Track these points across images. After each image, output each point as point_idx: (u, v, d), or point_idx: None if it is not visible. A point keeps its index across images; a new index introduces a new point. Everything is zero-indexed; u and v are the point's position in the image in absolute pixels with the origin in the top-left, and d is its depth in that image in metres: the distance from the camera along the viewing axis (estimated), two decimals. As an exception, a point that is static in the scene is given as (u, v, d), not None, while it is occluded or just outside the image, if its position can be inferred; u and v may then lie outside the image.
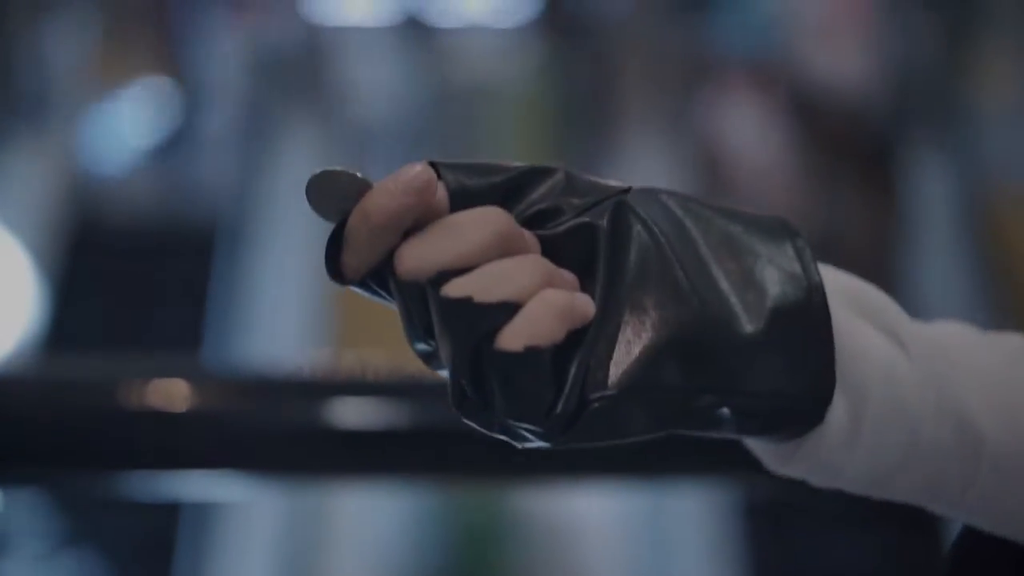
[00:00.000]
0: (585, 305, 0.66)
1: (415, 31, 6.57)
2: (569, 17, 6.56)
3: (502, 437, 0.67)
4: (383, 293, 0.68)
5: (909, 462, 0.72)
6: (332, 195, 0.65)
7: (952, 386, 0.72)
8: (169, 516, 4.63)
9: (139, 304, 5.38)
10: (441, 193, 0.66)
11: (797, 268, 0.71)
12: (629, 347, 0.66)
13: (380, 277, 0.67)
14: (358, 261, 0.66)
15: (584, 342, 0.65)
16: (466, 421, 0.67)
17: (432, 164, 0.67)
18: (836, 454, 0.71)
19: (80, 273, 5.58)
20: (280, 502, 4.53)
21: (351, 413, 1.15)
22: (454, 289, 0.64)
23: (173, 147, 6.12)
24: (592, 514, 4.65)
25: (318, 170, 0.65)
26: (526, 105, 6.52)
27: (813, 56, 5.70)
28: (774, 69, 5.75)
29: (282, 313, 5.48)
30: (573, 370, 0.65)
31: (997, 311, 5.23)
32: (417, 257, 0.65)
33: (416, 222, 0.66)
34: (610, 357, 0.66)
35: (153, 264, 5.54)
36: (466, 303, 0.63)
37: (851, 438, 0.71)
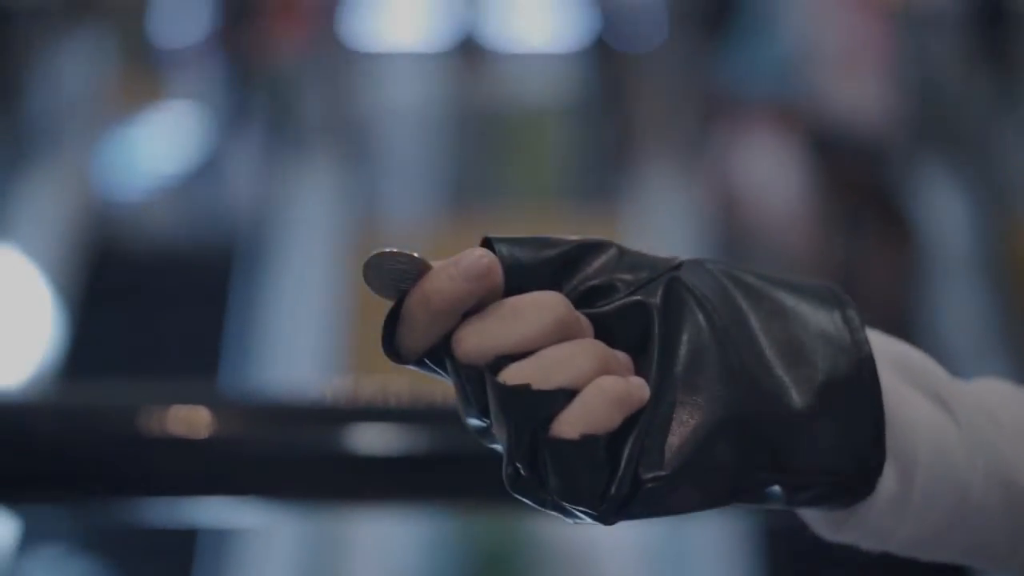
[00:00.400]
0: (640, 390, 0.66)
1: (438, 56, 6.60)
2: (595, 49, 6.60)
3: (554, 513, 0.68)
4: (439, 371, 0.68)
5: (958, 525, 0.72)
6: (390, 275, 0.66)
7: (1000, 450, 0.73)
8: (188, 542, 4.63)
9: (158, 329, 5.39)
10: (496, 268, 0.67)
11: (847, 339, 0.71)
12: (682, 428, 0.66)
13: (437, 356, 0.67)
14: (416, 342, 0.67)
15: (638, 425, 0.66)
16: (518, 497, 0.68)
17: (487, 240, 0.68)
18: (885, 521, 0.71)
19: (99, 298, 5.59)
20: (299, 528, 4.53)
21: (371, 439, 1.15)
22: (513, 376, 0.64)
23: (192, 172, 6.14)
24: (609, 539, 4.64)
25: (375, 251, 0.66)
26: (545, 130, 6.54)
27: (833, 92, 5.66)
28: (793, 107, 5.72)
29: (301, 338, 5.49)
30: (627, 453, 0.65)
31: (1019, 346, 5.22)
32: (476, 342, 0.66)
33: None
34: (663, 438, 0.66)
35: (171, 289, 5.55)
36: (524, 390, 0.64)
37: (900, 506, 0.71)
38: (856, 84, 5.50)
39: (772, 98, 5.76)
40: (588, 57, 6.60)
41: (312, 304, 5.63)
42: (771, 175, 5.51)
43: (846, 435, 0.69)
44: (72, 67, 6.27)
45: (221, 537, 4.66)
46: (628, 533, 4.64)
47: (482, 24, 6.61)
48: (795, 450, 0.68)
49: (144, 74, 6.44)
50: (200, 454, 1.16)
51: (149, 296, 5.55)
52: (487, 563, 4.74)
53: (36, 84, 6.20)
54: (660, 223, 5.77)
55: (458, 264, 0.65)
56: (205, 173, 6.09)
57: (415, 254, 0.66)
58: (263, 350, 5.42)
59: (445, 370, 0.68)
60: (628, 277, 0.69)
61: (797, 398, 0.69)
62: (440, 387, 1.16)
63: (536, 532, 4.66)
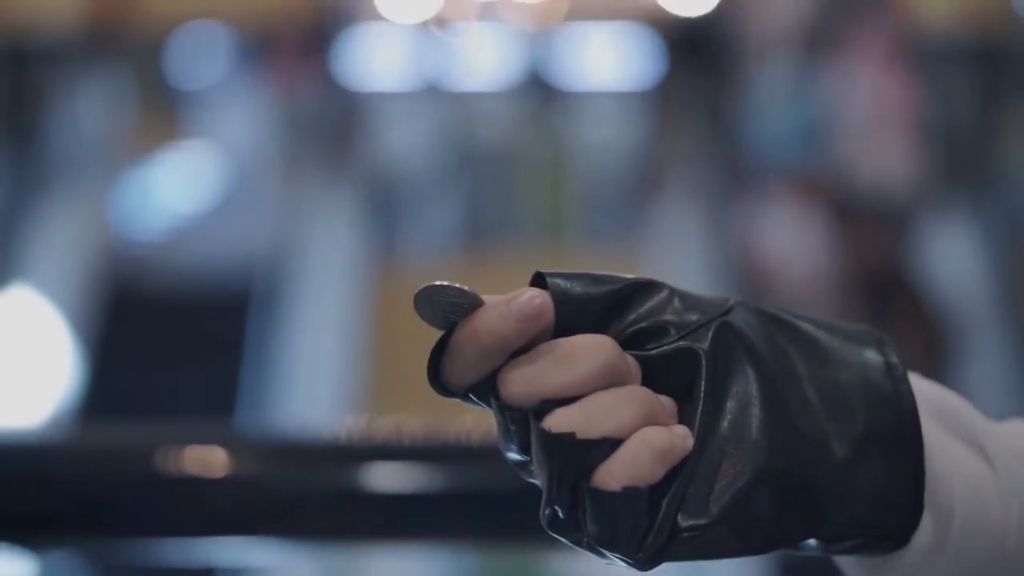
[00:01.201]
0: (684, 441, 0.66)
1: (441, 96, 6.61)
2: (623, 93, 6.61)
3: (589, 553, 0.67)
4: (483, 405, 0.68)
5: (992, 571, 0.72)
6: (441, 307, 0.66)
7: None
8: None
9: (174, 369, 5.40)
10: (549, 310, 0.66)
11: (890, 389, 0.70)
12: (723, 479, 0.66)
13: (481, 392, 0.67)
14: (462, 377, 0.66)
15: (680, 475, 0.65)
16: (553, 536, 0.68)
17: (539, 274, 0.68)
18: (920, 570, 0.71)
19: (115, 339, 5.60)
20: (316, 567, 4.52)
21: (387, 478, 1.15)
22: (558, 424, 0.64)
23: (209, 212, 6.16)
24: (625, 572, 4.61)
25: (427, 283, 0.66)
26: (562, 169, 6.55)
27: (857, 159, 5.59)
28: (817, 174, 5.67)
29: (317, 378, 5.49)
30: (666, 503, 0.65)
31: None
32: (523, 384, 0.65)
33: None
34: (704, 488, 0.66)
35: (188, 329, 5.56)
36: (569, 438, 0.64)
37: (935, 554, 0.71)
38: (881, 150, 5.43)
39: (796, 165, 5.66)
40: (604, 97, 6.62)
41: (328, 344, 5.64)
42: (794, 243, 5.48)
43: (885, 489, 0.69)
44: (89, 108, 6.30)
45: (238, 577, 4.65)
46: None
47: (503, 64, 6.63)
48: (834, 504, 0.68)
49: (161, 115, 6.47)
50: (216, 494, 1.16)
51: (166, 336, 5.56)
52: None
53: (54, 124, 6.24)
54: (677, 262, 5.78)
55: (511, 303, 0.65)
56: (222, 214, 6.11)
57: (467, 288, 0.65)
58: (279, 390, 5.43)
59: (489, 405, 0.67)
60: (679, 320, 0.68)
61: (839, 451, 0.68)
62: (454, 426, 1.17)
63: (554, 570, 4.65)
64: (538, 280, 0.68)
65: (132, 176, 6.27)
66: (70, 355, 5.49)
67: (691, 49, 6.31)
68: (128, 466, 1.17)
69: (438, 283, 0.66)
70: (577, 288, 0.67)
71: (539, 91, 6.60)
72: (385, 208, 6.24)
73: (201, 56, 6.54)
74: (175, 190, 6.25)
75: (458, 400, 0.67)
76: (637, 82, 6.56)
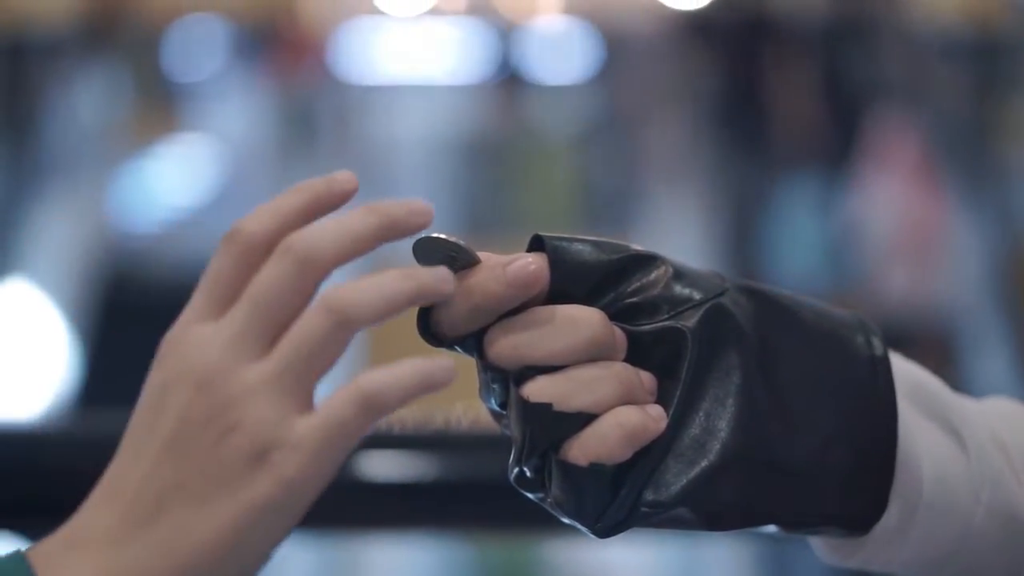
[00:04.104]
0: (656, 423, 0.66)
1: (436, 89, 6.61)
2: (605, 80, 6.59)
3: (551, 511, 0.69)
4: (469, 355, 0.69)
5: (957, 553, 0.72)
6: (438, 259, 0.67)
7: (1006, 482, 0.73)
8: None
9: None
10: (543, 278, 0.67)
11: (870, 381, 0.71)
12: (692, 463, 0.67)
13: (468, 345, 0.68)
14: (451, 329, 0.67)
15: (649, 454, 0.67)
16: (519, 490, 0.69)
17: (538, 236, 0.69)
18: (884, 551, 0.72)
19: (113, 329, 5.60)
20: (309, 556, 4.53)
21: (378, 466, 1.16)
22: (536, 393, 0.65)
23: (205, 204, 6.16)
24: (624, 564, 4.62)
25: (424, 234, 0.67)
26: (558, 159, 6.54)
27: (886, 277, 5.38)
28: (844, 293, 5.56)
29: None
30: (630, 480, 0.66)
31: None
32: (508, 348, 0.66)
33: None
34: (672, 469, 0.67)
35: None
36: (545, 408, 0.65)
37: (899, 537, 0.71)
38: (910, 269, 5.28)
39: (821, 283, 5.51)
40: (599, 87, 6.61)
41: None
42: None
43: (853, 482, 0.70)
44: (86, 101, 6.30)
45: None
46: (642, 557, 4.63)
47: (497, 56, 6.63)
48: (800, 492, 0.69)
49: (158, 107, 6.47)
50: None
51: (163, 327, 5.55)
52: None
53: (51, 117, 6.23)
54: (672, 251, 5.78)
55: (507, 267, 0.66)
56: (219, 206, 6.11)
57: (464, 243, 0.66)
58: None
59: (474, 357, 0.68)
60: (672, 298, 0.69)
61: (811, 441, 0.69)
62: (444, 414, 1.18)
63: (547, 557, 4.65)
64: (537, 242, 0.69)
65: (129, 168, 6.27)
66: (67, 346, 5.50)
67: (692, 40, 6.31)
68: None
69: (437, 235, 0.67)
70: (575, 254, 0.68)
71: (531, 84, 6.60)
72: (380, 200, 6.24)
73: (198, 49, 6.53)
74: (172, 182, 6.25)
75: (443, 349, 0.68)
76: (629, 74, 6.55)
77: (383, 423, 1.19)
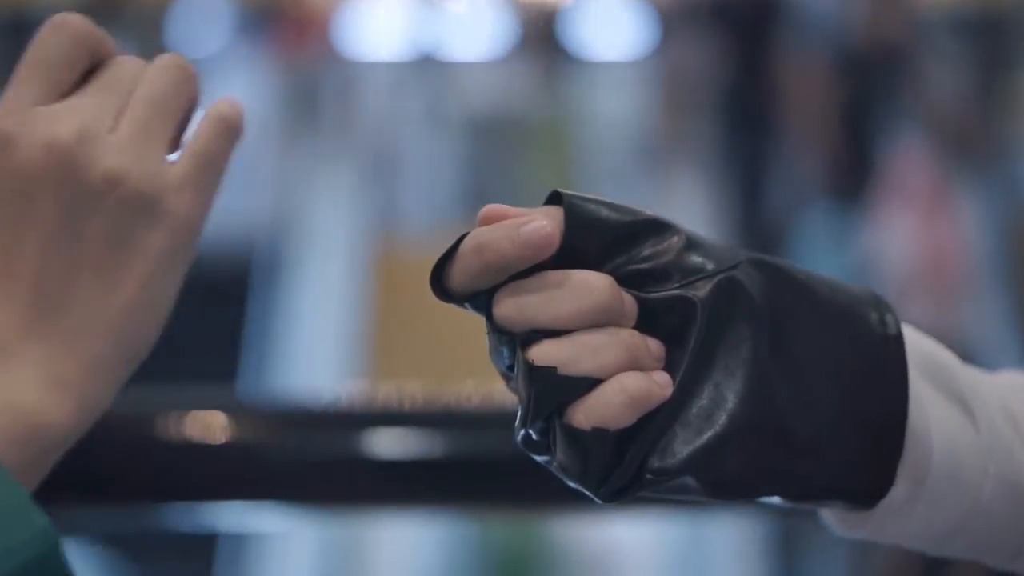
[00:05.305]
0: (662, 390, 0.66)
1: (441, 64, 6.61)
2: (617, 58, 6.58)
3: (555, 473, 0.68)
4: (477, 313, 0.69)
5: (966, 526, 0.72)
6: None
7: (1015, 455, 0.73)
8: (207, 547, 4.64)
9: (175, 336, 5.40)
10: (555, 241, 0.67)
11: (882, 360, 0.71)
12: (699, 431, 0.67)
13: (479, 302, 0.68)
14: (462, 285, 0.67)
15: (654, 420, 0.66)
16: (524, 451, 0.69)
17: (556, 192, 0.68)
18: (892, 524, 0.72)
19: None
20: (318, 532, 4.54)
21: (388, 443, 1.16)
22: (541, 356, 0.65)
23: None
24: (630, 542, 4.64)
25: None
26: (565, 136, 6.54)
27: (902, 314, 5.25)
28: None
29: (318, 344, 5.50)
30: (635, 446, 0.66)
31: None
32: (515, 310, 0.66)
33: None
34: (678, 438, 0.67)
35: (189, 296, 5.56)
36: (550, 371, 0.65)
37: (907, 509, 0.71)
38: (929, 302, 5.22)
39: None
40: (608, 65, 6.61)
41: (329, 310, 5.64)
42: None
43: (861, 459, 0.70)
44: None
45: (239, 542, 4.67)
46: (649, 537, 4.64)
47: (502, 32, 6.62)
48: (807, 467, 0.69)
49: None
50: (218, 459, 1.16)
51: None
52: (505, 566, 4.74)
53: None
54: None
55: (521, 228, 0.66)
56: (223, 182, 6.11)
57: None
58: (281, 356, 5.44)
59: (484, 316, 0.68)
60: (685, 266, 0.68)
61: (819, 416, 0.69)
62: (454, 391, 1.17)
63: (555, 535, 4.67)
64: (555, 197, 0.68)
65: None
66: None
67: (696, 21, 6.29)
68: (129, 431, 1.18)
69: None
70: (591, 211, 0.68)
71: (540, 60, 6.59)
72: (385, 176, 6.24)
73: (202, 26, 6.52)
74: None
75: (454, 305, 0.68)
76: (644, 51, 6.55)
77: (394, 399, 1.18)
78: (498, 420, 1.13)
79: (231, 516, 1.26)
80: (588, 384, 0.65)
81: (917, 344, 0.74)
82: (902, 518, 0.71)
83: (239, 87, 6.39)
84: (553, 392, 0.65)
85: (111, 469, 1.17)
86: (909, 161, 5.49)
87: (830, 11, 6.04)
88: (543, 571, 4.71)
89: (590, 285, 0.66)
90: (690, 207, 5.88)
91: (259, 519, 1.53)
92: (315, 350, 5.46)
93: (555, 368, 0.65)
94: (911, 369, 0.71)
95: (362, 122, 6.37)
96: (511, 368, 0.68)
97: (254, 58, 6.47)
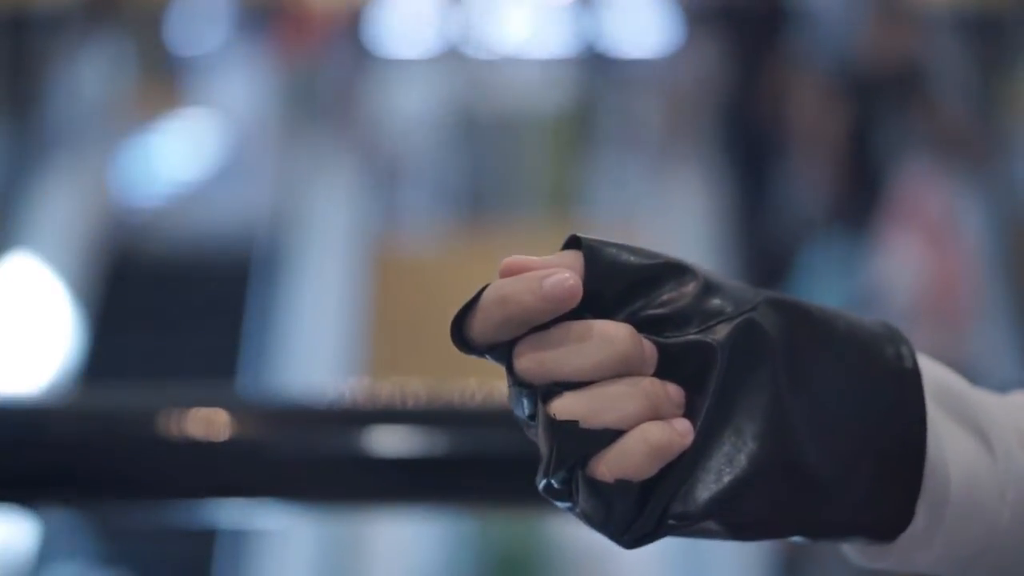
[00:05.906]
0: (683, 438, 0.66)
1: (442, 63, 6.60)
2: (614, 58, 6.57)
3: (578, 520, 0.69)
4: (498, 363, 0.68)
5: (986, 552, 0.72)
6: None
7: None
8: (207, 544, 4.64)
9: (176, 333, 5.40)
10: (578, 293, 0.66)
11: (900, 399, 0.71)
12: (720, 475, 0.67)
13: (499, 354, 0.68)
14: (483, 336, 0.67)
15: (676, 468, 0.67)
16: (547, 499, 0.69)
17: (575, 236, 0.68)
18: (911, 555, 0.72)
19: (117, 303, 5.61)
20: (318, 529, 4.54)
21: (389, 441, 1.16)
22: (563, 410, 0.65)
23: (208, 178, 6.15)
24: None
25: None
26: (562, 138, 6.54)
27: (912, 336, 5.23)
28: None
29: (319, 341, 5.50)
30: (658, 494, 0.66)
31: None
32: (536, 363, 0.66)
33: None
34: (699, 484, 0.67)
35: (189, 293, 5.56)
36: (571, 425, 0.65)
37: (927, 540, 0.71)
38: (937, 328, 5.22)
39: None
40: (607, 65, 6.60)
41: (329, 308, 5.64)
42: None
43: (879, 498, 0.70)
44: (90, 75, 6.29)
45: (240, 539, 4.67)
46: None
47: (502, 33, 6.62)
48: (826, 507, 0.69)
49: (162, 81, 6.46)
50: (219, 456, 1.16)
51: (167, 302, 5.57)
52: (504, 564, 4.74)
53: (54, 92, 6.23)
54: (676, 232, 5.78)
55: (543, 280, 0.65)
56: (223, 180, 6.10)
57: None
58: (281, 353, 5.44)
59: (504, 366, 0.68)
60: (705, 311, 0.68)
61: (839, 457, 0.69)
62: (456, 389, 1.17)
63: (552, 534, 4.67)
64: (574, 241, 0.68)
65: (133, 143, 6.27)
66: (72, 321, 5.50)
67: (708, 19, 6.29)
68: (130, 428, 1.18)
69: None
70: (611, 256, 0.68)
71: (546, 59, 6.59)
72: (386, 174, 6.23)
73: (201, 22, 6.52)
74: (176, 157, 6.24)
75: (474, 356, 0.68)
76: (652, 50, 6.54)
77: (395, 397, 1.18)
78: (500, 418, 1.13)
79: (232, 513, 1.26)
80: (610, 436, 0.65)
81: (931, 373, 0.74)
82: (922, 548, 0.71)
83: (238, 84, 6.39)
84: (575, 445, 0.65)
85: (111, 466, 1.17)
86: (916, 186, 5.48)
87: (836, 34, 6.05)
88: (543, 571, 4.71)
89: (610, 337, 0.66)
90: (695, 229, 5.88)
91: (260, 516, 1.53)
92: (316, 347, 5.46)
93: (577, 421, 0.65)
94: (927, 401, 0.71)
95: (363, 119, 6.36)
96: (532, 417, 0.68)
97: (253, 54, 6.47)
